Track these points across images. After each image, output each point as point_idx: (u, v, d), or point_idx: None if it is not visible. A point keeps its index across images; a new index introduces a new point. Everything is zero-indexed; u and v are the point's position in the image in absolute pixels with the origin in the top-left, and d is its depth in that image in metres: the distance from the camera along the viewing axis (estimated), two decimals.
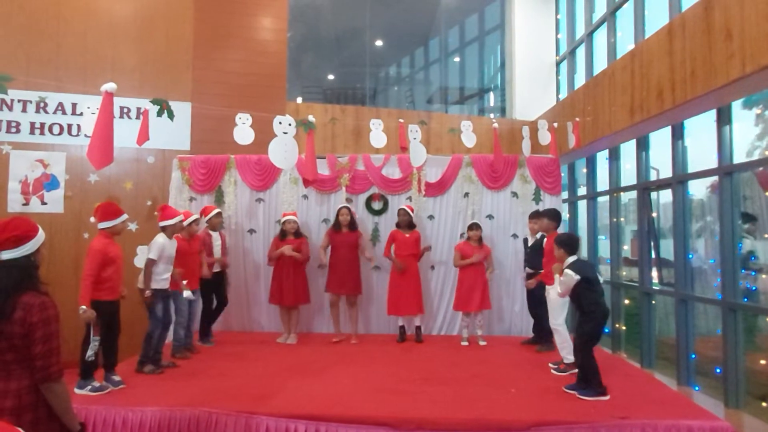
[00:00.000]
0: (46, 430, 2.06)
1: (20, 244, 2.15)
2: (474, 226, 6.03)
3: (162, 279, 4.72)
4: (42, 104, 6.63)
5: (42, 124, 6.64)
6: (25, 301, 2.05)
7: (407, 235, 6.09)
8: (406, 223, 6.10)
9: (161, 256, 4.68)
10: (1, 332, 2.02)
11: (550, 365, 4.84)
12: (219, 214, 5.98)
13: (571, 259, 4.17)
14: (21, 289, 2.07)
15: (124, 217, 4.42)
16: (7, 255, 2.12)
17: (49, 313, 2.07)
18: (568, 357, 4.61)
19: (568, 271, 4.06)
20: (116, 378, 4.27)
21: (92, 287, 4.04)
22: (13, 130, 6.55)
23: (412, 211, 6.21)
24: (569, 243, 4.24)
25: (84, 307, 3.96)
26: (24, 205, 6.47)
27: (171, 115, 4.67)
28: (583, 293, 4.04)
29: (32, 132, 6.61)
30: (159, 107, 4.62)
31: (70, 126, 6.71)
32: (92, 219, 4.50)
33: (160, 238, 4.76)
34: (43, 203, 6.56)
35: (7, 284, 2.06)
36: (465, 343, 5.91)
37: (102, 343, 4.12)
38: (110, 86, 4.04)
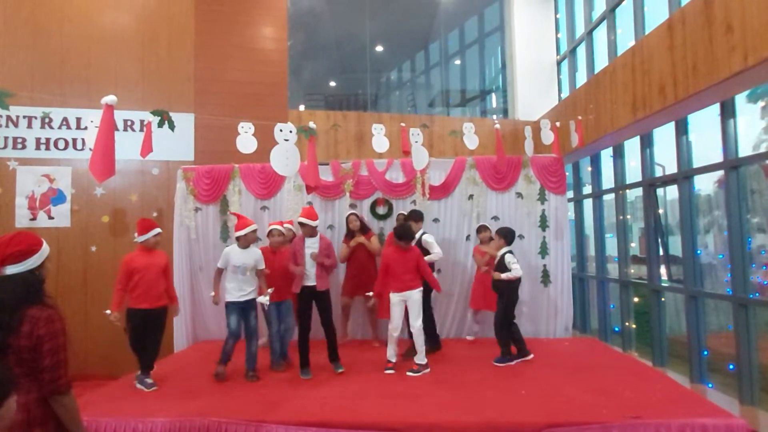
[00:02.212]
0: None
1: (23, 259, 2.16)
2: (481, 229, 6.17)
3: (236, 291, 4.74)
4: (47, 119, 6.70)
5: (47, 140, 6.71)
6: (31, 315, 2.05)
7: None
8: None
9: (227, 266, 4.77)
10: (8, 346, 2.01)
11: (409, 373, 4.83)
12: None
13: (507, 248, 5.14)
14: (26, 303, 2.07)
15: (155, 231, 4.71)
16: (11, 270, 2.13)
17: (56, 326, 2.08)
18: (423, 359, 4.93)
19: (516, 265, 5.05)
20: (148, 380, 4.55)
21: (121, 294, 4.49)
22: (19, 146, 6.62)
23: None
24: (509, 235, 5.23)
25: (108, 311, 4.43)
26: (31, 220, 6.53)
27: (171, 126, 4.69)
28: (508, 281, 5.07)
29: (38, 147, 6.68)
30: (159, 118, 4.64)
31: (75, 140, 6.78)
32: (135, 235, 4.81)
33: (228, 248, 4.91)
34: (50, 218, 6.61)
35: (12, 299, 2.06)
36: (470, 338, 6.27)
37: (137, 346, 4.55)
38: (110, 99, 4.07)
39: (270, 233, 5.23)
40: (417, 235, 5.47)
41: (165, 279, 4.68)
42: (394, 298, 4.96)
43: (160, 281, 4.59)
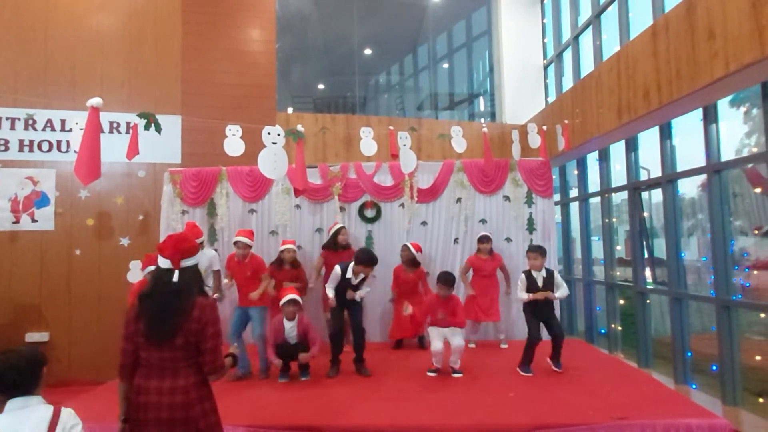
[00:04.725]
0: (209, 421, 2.34)
1: (195, 253, 2.42)
2: (484, 239, 6.06)
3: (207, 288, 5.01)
4: (30, 121, 6.60)
5: (31, 142, 6.61)
6: (199, 302, 2.33)
7: (411, 274, 6.00)
8: (409, 260, 5.99)
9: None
10: (181, 329, 2.26)
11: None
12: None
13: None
14: (198, 291, 2.36)
15: (149, 269, 4.86)
16: (186, 263, 2.37)
17: (216, 313, 2.37)
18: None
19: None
20: None
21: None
22: (2, 147, 6.51)
23: (418, 250, 6.03)
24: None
25: None
26: (14, 223, 6.43)
27: (158, 128, 4.66)
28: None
29: (21, 149, 6.58)
30: (146, 120, 4.61)
31: (59, 142, 6.68)
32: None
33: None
34: (34, 221, 6.51)
35: (192, 287, 2.34)
36: (472, 346, 6.00)
37: None
38: (96, 101, 4.03)
39: (235, 244, 5.13)
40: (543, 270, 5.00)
41: None
42: (434, 331, 4.95)
43: None
